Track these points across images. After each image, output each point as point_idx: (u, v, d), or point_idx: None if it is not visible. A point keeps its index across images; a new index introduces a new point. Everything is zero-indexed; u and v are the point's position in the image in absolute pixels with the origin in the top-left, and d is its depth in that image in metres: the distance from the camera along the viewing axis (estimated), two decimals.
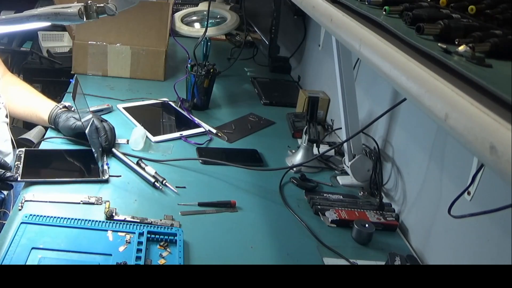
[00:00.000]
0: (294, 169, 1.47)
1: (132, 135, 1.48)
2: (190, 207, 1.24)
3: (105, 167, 1.33)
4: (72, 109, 1.49)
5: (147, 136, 1.52)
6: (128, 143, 1.48)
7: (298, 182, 1.41)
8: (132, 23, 1.92)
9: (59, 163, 1.38)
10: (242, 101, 1.96)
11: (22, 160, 1.30)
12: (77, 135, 1.43)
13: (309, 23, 2.17)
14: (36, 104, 1.52)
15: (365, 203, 1.35)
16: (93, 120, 1.38)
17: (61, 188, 1.23)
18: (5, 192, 1.41)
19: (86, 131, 1.31)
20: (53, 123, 1.47)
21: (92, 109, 1.58)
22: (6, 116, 1.46)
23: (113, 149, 1.40)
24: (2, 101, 1.43)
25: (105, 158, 1.38)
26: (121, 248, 1.05)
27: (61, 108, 1.48)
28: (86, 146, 1.38)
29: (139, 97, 1.82)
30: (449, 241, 1.11)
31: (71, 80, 1.38)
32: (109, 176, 1.30)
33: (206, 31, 1.96)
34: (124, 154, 1.39)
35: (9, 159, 1.41)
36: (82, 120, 1.31)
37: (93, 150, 1.30)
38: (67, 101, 1.60)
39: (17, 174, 1.23)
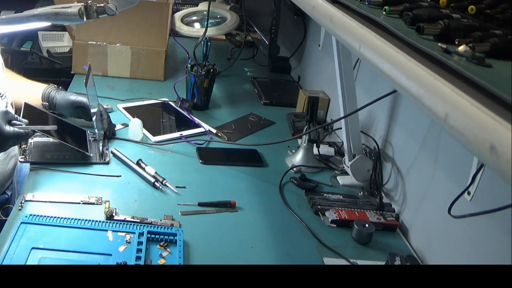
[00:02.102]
0: (294, 169, 1.47)
1: (130, 127, 1.53)
2: (190, 207, 1.24)
3: (106, 151, 1.41)
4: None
5: (144, 134, 1.55)
6: (124, 127, 1.58)
7: (298, 182, 1.41)
8: (132, 23, 1.92)
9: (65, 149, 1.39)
10: (242, 101, 1.96)
11: (29, 145, 1.38)
12: (74, 112, 1.48)
13: (309, 23, 2.17)
14: (27, 86, 1.54)
15: (365, 203, 1.35)
16: (99, 105, 1.47)
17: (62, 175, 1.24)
18: (9, 193, 1.41)
19: (93, 112, 1.39)
20: (47, 100, 1.50)
21: None
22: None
23: (113, 150, 1.41)
24: (8, 101, 1.43)
25: (106, 142, 1.45)
26: (121, 248, 1.05)
27: (55, 87, 1.53)
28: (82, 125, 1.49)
29: (139, 97, 1.82)
30: (449, 241, 1.11)
31: (85, 66, 1.42)
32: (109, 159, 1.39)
33: (206, 31, 1.96)
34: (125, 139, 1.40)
35: (13, 164, 1.41)
36: (91, 104, 1.38)
37: (97, 132, 1.40)
38: None
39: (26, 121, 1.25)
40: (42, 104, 1.51)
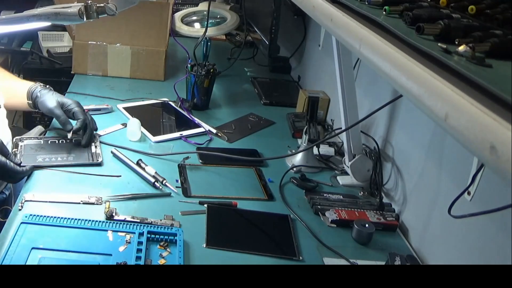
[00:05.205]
0: (294, 169, 1.47)
1: (128, 127, 1.52)
2: (190, 207, 1.24)
3: (97, 150, 1.39)
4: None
5: (143, 133, 1.54)
6: (124, 127, 1.56)
7: (298, 182, 1.41)
8: (132, 23, 1.92)
9: (56, 150, 1.38)
10: (242, 101, 1.96)
11: (20, 148, 1.35)
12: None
13: (309, 23, 2.17)
14: (13, 85, 1.49)
15: (365, 203, 1.35)
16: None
17: (61, 179, 1.23)
18: (7, 192, 1.41)
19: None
20: (31, 98, 1.44)
21: (90, 107, 1.63)
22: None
23: (113, 150, 1.40)
24: (1, 103, 1.43)
25: (98, 143, 1.42)
26: (121, 248, 1.05)
27: (41, 86, 1.46)
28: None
29: (139, 97, 1.82)
30: (449, 241, 1.11)
31: None
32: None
33: (206, 31, 1.96)
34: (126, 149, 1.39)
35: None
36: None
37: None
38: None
39: (20, 161, 1.25)
40: (28, 103, 1.46)
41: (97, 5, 1.14)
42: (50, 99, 1.40)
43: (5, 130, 1.43)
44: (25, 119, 2.48)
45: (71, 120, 1.39)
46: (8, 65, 2.52)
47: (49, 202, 1.17)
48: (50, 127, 1.52)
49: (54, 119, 1.46)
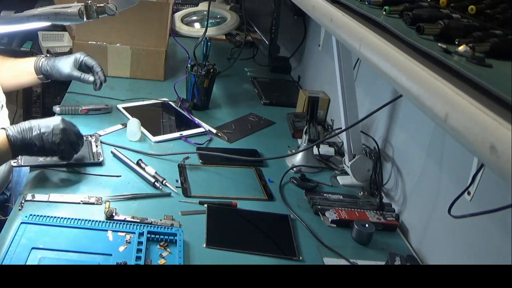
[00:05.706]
0: (294, 169, 1.47)
1: (128, 127, 1.52)
2: (190, 207, 1.24)
3: (99, 151, 1.39)
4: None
5: (143, 133, 1.54)
6: (124, 127, 1.56)
7: (298, 182, 1.41)
8: (132, 23, 1.92)
9: None
10: (242, 101, 1.96)
11: None
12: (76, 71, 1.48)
13: (309, 23, 2.17)
14: (17, 65, 1.52)
15: (365, 203, 1.35)
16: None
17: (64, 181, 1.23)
18: (8, 193, 1.41)
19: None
20: (41, 72, 1.50)
21: (90, 107, 1.65)
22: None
23: (113, 150, 1.40)
24: (1, 102, 1.43)
25: (99, 142, 1.44)
26: (121, 248, 1.05)
27: (44, 57, 1.51)
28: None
29: (139, 97, 1.82)
30: (449, 241, 1.11)
31: None
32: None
33: (206, 31, 1.96)
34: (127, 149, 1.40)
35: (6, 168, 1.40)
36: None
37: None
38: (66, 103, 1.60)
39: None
40: (38, 77, 1.50)
41: (97, 5, 1.14)
42: (62, 66, 1.48)
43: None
44: (25, 119, 2.48)
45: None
46: None
47: (49, 202, 1.17)
48: None
49: None
